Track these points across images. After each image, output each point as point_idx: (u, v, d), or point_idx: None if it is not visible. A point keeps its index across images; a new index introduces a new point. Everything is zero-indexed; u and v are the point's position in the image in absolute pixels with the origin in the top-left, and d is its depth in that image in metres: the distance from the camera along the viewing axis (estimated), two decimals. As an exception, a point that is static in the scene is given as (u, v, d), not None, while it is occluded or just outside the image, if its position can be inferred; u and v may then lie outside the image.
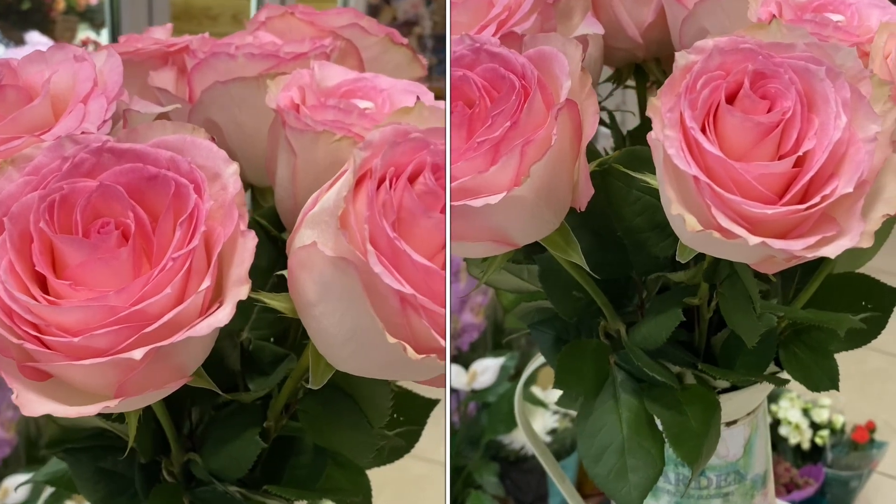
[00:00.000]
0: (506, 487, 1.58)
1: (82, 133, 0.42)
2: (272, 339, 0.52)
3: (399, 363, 0.40)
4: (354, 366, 0.42)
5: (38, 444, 1.44)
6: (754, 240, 0.41)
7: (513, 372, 1.62)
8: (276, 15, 0.53)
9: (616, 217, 0.50)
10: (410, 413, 0.54)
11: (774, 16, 0.47)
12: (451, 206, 0.42)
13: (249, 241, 0.40)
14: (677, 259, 0.45)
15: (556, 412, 1.54)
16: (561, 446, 1.57)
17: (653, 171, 0.45)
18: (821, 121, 0.43)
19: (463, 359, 1.64)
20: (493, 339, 1.65)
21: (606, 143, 0.57)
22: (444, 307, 0.39)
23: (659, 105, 0.43)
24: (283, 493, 0.50)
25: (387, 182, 0.40)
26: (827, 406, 1.79)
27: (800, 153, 0.42)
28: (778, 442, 1.79)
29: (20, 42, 1.44)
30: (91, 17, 1.79)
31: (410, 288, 0.38)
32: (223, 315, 0.39)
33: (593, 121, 0.44)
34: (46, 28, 1.71)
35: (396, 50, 0.52)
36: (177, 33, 0.55)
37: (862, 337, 0.53)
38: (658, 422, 0.51)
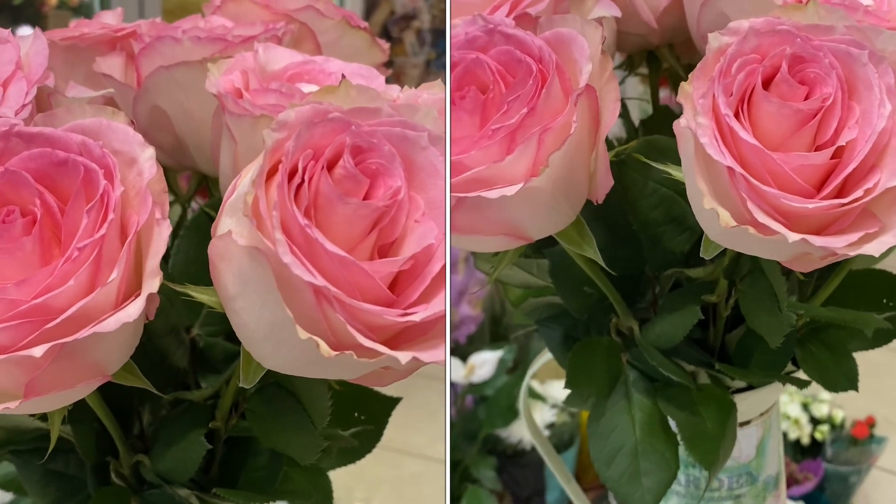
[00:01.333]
0: (503, 482, 1.57)
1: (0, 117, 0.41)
2: (225, 336, 0.50)
3: (316, 360, 0.37)
4: (278, 363, 0.39)
5: (502, 321, 1.46)
6: (794, 237, 0.38)
7: (511, 365, 1.61)
8: None
9: (631, 210, 0.48)
10: (370, 411, 0.52)
11: (246, 85, 0.45)
12: (463, 197, 0.40)
13: (164, 230, 0.38)
14: (701, 255, 0.43)
15: (553, 406, 1.53)
16: (559, 440, 1.56)
17: (672, 161, 0.43)
18: (863, 109, 0.40)
19: (460, 352, 1.63)
20: (491, 332, 1.64)
21: (610, 133, 0.55)
22: (361, 300, 0.36)
23: (690, 90, 0.40)
24: (233, 497, 0.48)
25: (301, 167, 0.37)
26: (826, 401, 1.77)
27: (840, 143, 0.40)
28: None
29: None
30: (84, 13, 1.79)
31: (323, 280, 0.35)
32: (133, 309, 0.37)
33: (614, 108, 0.42)
34: (39, 23, 1.70)
35: (354, 34, 0.51)
36: None
37: (885, 336, 0.52)
38: (671, 423, 0.49)
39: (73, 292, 0.37)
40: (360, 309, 0.36)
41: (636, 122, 0.56)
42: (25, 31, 1.18)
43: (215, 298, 0.40)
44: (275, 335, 0.38)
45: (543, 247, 0.49)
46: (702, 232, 0.46)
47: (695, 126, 0.39)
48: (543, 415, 1.51)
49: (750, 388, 0.51)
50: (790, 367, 0.51)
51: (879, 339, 0.51)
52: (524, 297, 0.54)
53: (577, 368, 0.49)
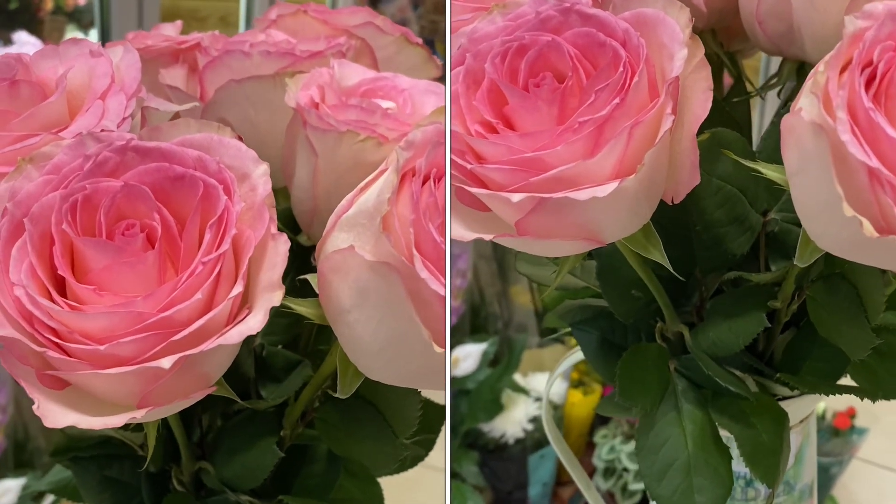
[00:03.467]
0: (485, 476, 1.56)
1: (102, 131, 0.40)
2: (283, 345, 0.50)
3: (859, 242, 0.35)
4: (388, 374, 0.39)
5: (26, 448, 1.41)
6: None
7: (492, 358, 1.59)
8: (288, 13, 0.51)
9: (695, 209, 0.45)
10: (427, 420, 0.51)
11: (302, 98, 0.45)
12: (546, 198, 0.36)
13: (281, 245, 0.38)
14: (796, 262, 0.40)
15: (537, 399, 1.51)
16: (543, 434, 1.54)
17: (740, 155, 0.41)
18: None
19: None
20: (472, 324, 1.61)
21: None
22: None
23: (824, 80, 0.35)
24: (796, 383, 0.46)
25: (431, 183, 0.37)
26: None
27: None
28: None
29: (7, 42, 1.43)
30: (79, 18, 1.77)
31: (878, 161, 0.33)
32: (255, 322, 0.37)
33: (705, 98, 0.38)
34: (34, 28, 1.69)
35: (412, 50, 0.50)
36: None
37: None
38: (726, 436, 0.46)
39: (197, 306, 0.37)
40: None
41: None
42: (22, 36, 1.18)
43: (317, 311, 0.40)
44: (826, 213, 0.36)
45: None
46: (758, 232, 0.44)
47: (836, 122, 0.34)
48: (528, 408, 1.50)
49: (790, 396, 0.48)
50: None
51: None
52: (560, 299, 0.52)
53: (628, 378, 0.46)
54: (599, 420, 1.54)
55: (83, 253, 0.38)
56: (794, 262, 0.40)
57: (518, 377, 1.54)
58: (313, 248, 0.43)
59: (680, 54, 0.37)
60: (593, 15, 0.39)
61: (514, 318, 1.62)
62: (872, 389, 0.46)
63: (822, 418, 1.76)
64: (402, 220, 0.36)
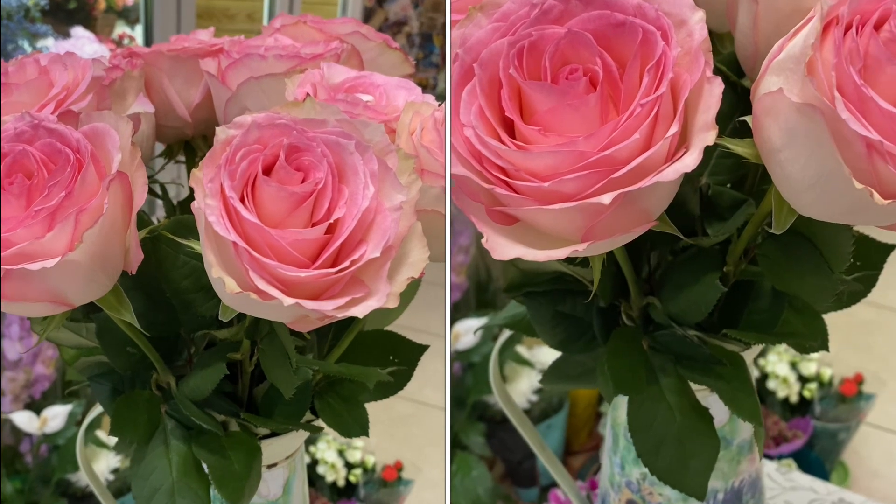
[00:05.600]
0: (492, 447, 1.57)
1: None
2: (730, 185, 0.50)
3: (863, 208, 0.38)
4: (817, 211, 0.40)
5: (72, 380, 1.52)
6: (289, 301, 0.41)
7: (497, 331, 1.54)
8: (290, 23, 0.58)
9: (165, 280, 0.51)
10: (867, 257, 0.52)
11: (308, 94, 0.48)
12: (10, 269, 0.43)
13: (716, 88, 0.38)
14: (220, 318, 0.46)
15: (541, 370, 1.47)
16: (548, 405, 1.57)
17: (199, 238, 0.46)
18: (351, 191, 0.43)
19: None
20: (477, 299, 1.62)
21: (161, 212, 0.59)
22: None
23: (201, 176, 0.43)
24: (742, 337, 0.49)
25: (853, 29, 0.38)
26: (815, 359, 1.76)
27: (331, 220, 0.43)
28: (766, 396, 1.78)
29: (67, 35, 1.55)
30: (127, 15, 1.91)
31: (877, 134, 0.36)
32: (690, 160, 0.38)
33: (142, 191, 0.45)
34: (89, 24, 1.81)
35: (391, 53, 0.57)
36: (200, 29, 0.61)
37: (391, 388, 0.55)
38: (205, 465, 0.52)
39: (635, 145, 0.38)
40: None
41: (175, 203, 0.59)
42: (78, 31, 1.30)
43: (752, 150, 0.41)
44: (820, 185, 0.39)
45: (91, 311, 0.52)
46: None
47: (204, 206, 0.42)
48: (532, 380, 1.52)
49: (275, 434, 0.54)
50: (311, 415, 0.54)
51: (387, 390, 0.55)
52: (77, 357, 0.57)
53: (120, 418, 0.53)
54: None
55: (529, 96, 0.40)
56: (220, 318, 0.46)
57: (522, 349, 1.55)
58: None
59: (117, 158, 0.45)
60: (55, 129, 0.46)
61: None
62: (335, 428, 0.53)
63: (828, 385, 1.76)
64: (825, 65, 0.37)
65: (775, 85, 0.38)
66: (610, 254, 0.49)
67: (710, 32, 0.51)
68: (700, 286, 0.49)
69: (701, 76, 0.39)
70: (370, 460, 1.64)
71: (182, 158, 0.62)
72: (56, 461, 1.45)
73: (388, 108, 0.49)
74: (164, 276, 0.51)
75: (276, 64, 0.53)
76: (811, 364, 1.76)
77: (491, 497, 1.54)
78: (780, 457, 1.71)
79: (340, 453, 1.63)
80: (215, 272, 0.42)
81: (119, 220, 0.46)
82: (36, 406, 1.45)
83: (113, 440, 1.49)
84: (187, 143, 0.61)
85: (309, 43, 0.56)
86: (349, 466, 1.63)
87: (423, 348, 0.56)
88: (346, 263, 0.42)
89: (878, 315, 2.06)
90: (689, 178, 0.49)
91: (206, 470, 0.52)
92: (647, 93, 0.39)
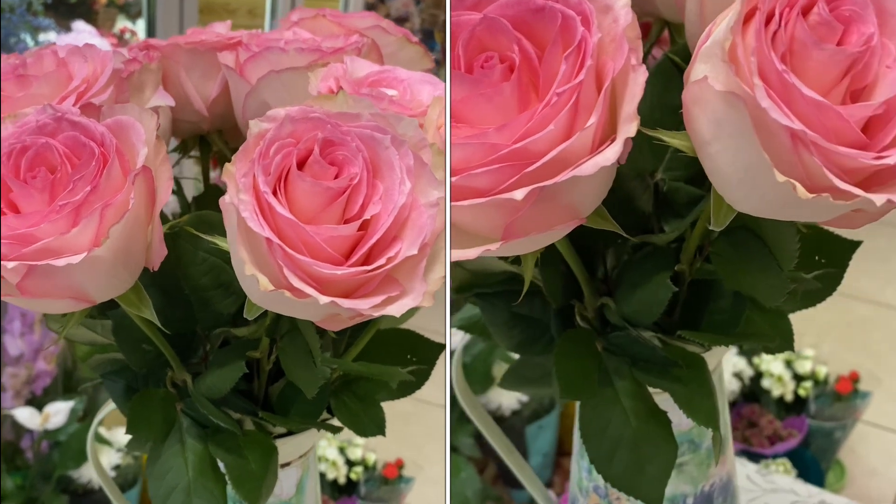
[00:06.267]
0: (484, 449, 1.56)
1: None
2: (687, 181, 0.49)
3: (791, 203, 0.36)
4: (750, 206, 0.38)
5: (74, 375, 1.50)
6: (324, 299, 0.39)
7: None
8: (308, 17, 0.57)
9: (184, 276, 0.50)
10: (831, 255, 0.51)
11: (341, 88, 0.47)
12: (34, 265, 0.42)
13: (640, 76, 0.36)
14: (245, 316, 0.45)
15: (119, 450, 1.51)
16: (124, 480, 1.54)
17: (220, 233, 0.45)
18: (386, 186, 0.42)
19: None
20: (64, 384, 1.56)
21: (167, 208, 0.56)
22: (836, 144, 0.35)
23: (234, 170, 0.41)
24: (696, 338, 0.47)
25: (777, 14, 0.36)
26: (810, 357, 1.76)
27: (366, 217, 0.42)
28: (761, 394, 1.77)
29: (68, 29, 1.55)
30: (128, 9, 1.91)
31: (800, 123, 0.35)
32: (611, 153, 0.36)
33: (167, 186, 0.45)
34: (90, 18, 1.82)
35: (410, 47, 0.56)
36: (201, 25, 0.60)
37: (409, 387, 0.54)
38: (221, 464, 0.51)
39: (552, 137, 0.36)
40: (836, 152, 0.35)
41: (189, 199, 0.59)
42: (79, 24, 1.29)
43: (687, 143, 0.39)
44: (749, 178, 0.36)
45: (107, 309, 0.51)
46: (246, 296, 0.48)
47: (237, 202, 0.40)
48: (110, 457, 1.49)
49: (290, 433, 0.53)
50: (327, 414, 0.53)
51: (405, 390, 0.54)
52: (91, 353, 0.57)
53: (136, 416, 0.52)
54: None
55: None
56: (245, 316, 0.44)
57: (103, 430, 1.50)
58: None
59: (142, 152, 0.44)
60: (78, 121, 0.45)
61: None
62: (351, 427, 0.52)
63: (824, 383, 1.75)
64: (746, 50, 0.35)
65: (702, 73, 0.37)
66: (556, 252, 0.47)
67: (668, 24, 0.51)
68: (652, 285, 0.47)
69: (625, 63, 0.37)
70: (371, 458, 1.64)
71: (195, 153, 0.61)
72: (57, 457, 1.44)
73: (412, 102, 0.49)
74: (182, 272, 0.50)
75: (297, 57, 0.52)
76: (806, 362, 1.75)
77: (480, 498, 1.54)
78: (774, 456, 1.70)
79: (341, 451, 1.64)
80: (248, 269, 0.40)
81: (142, 216, 0.45)
82: (37, 402, 1.44)
83: (114, 437, 1.49)
84: (202, 137, 0.60)
85: (328, 37, 0.55)
86: (350, 464, 1.64)
87: (440, 347, 0.55)
88: (383, 261, 0.41)
89: (873, 312, 2.05)
90: (638, 174, 0.48)
91: (223, 469, 0.51)
92: (565, 81, 0.37)
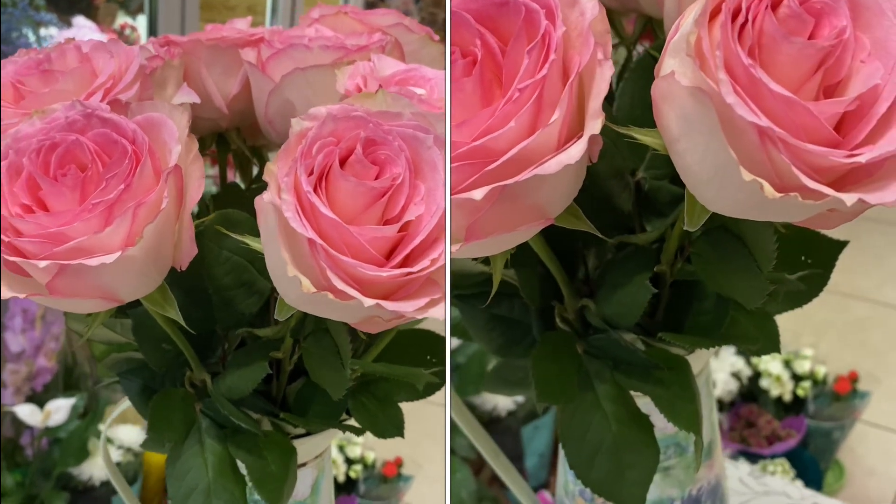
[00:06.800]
0: (479, 450, 1.56)
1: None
2: (670, 179, 0.48)
3: (760, 202, 0.35)
4: (720, 205, 0.37)
5: (74, 372, 1.51)
6: (369, 302, 0.38)
7: (81, 411, 1.51)
8: (330, 14, 0.56)
9: (208, 276, 0.50)
10: (817, 255, 0.50)
11: (380, 86, 0.46)
12: (66, 264, 0.42)
13: (606, 71, 0.35)
14: (276, 317, 0.44)
15: (119, 447, 1.51)
16: (126, 477, 1.52)
17: (245, 232, 0.45)
18: (428, 187, 0.41)
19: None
20: (65, 382, 1.56)
21: None
22: (806, 141, 0.33)
23: (275, 170, 0.40)
24: (680, 341, 0.46)
25: (745, 7, 0.35)
26: (809, 357, 1.76)
27: (409, 218, 0.41)
28: (759, 394, 1.78)
29: (69, 24, 1.54)
30: (128, 5, 1.91)
31: (768, 120, 0.33)
32: (575, 151, 0.34)
33: (199, 184, 0.44)
34: (90, 14, 1.82)
35: (433, 46, 0.56)
36: (202, 21, 0.62)
37: (430, 388, 0.53)
38: (241, 465, 0.51)
39: (513, 134, 0.34)
40: (806, 150, 0.34)
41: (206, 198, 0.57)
42: (80, 20, 1.29)
43: (659, 140, 0.38)
44: (718, 177, 0.35)
45: (127, 308, 0.50)
46: (268, 295, 0.49)
47: (280, 202, 0.39)
48: (111, 455, 1.43)
49: (307, 434, 0.53)
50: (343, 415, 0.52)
51: (427, 391, 0.53)
52: (108, 352, 0.56)
53: (157, 416, 0.51)
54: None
55: None
56: (275, 317, 0.43)
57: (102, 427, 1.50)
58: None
59: (176, 150, 0.43)
60: (109, 118, 0.45)
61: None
62: (369, 428, 0.51)
63: (822, 383, 1.76)
64: (711, 44, 0.34)
65: (669, 68, 0.35)
66: (533, 253, 0.46)
67: (650, 19, 0.50)
68: (632, 287, 0.46)
69: (591, 58, 0.36)
70: (370, 456, 1.64)
71: (214, 152, 0.60)
72: (58, 454, 1.44)
73: (439, 101, 0.48)
74: (206, 272, 0.50)
75: (322, 55, 0.51)
76: (805, 362, 1.75)
77: (475, 499, 1.54)
78: (773, 456, 1.70)
79: (341, 449, 1.64)
80: (290, 271, 0.39)
81: (172, 215, 0.44)
82: (37, 399, 1.44)
83: (113, 434, 1.49)
84: (220, 135, 0.59)
85: (351, 34, 0.54)
86: (349, 462, 1.64)
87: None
88: (426, 263, 0.40)
89: (872, 311, 2.05)
90: (617, 173, 0.47)
91: (243, 470, 0.51)
92: (528, 76, 0.36)
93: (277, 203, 0.39)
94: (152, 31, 1.79)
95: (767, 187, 0.34)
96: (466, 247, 0.37)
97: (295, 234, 0.39)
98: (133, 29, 1.90)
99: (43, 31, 1.47)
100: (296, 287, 0.39)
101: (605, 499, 0.49)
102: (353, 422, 0.52)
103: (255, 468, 0.50)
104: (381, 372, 0.51)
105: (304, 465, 0.55)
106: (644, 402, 0.50)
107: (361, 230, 0.40)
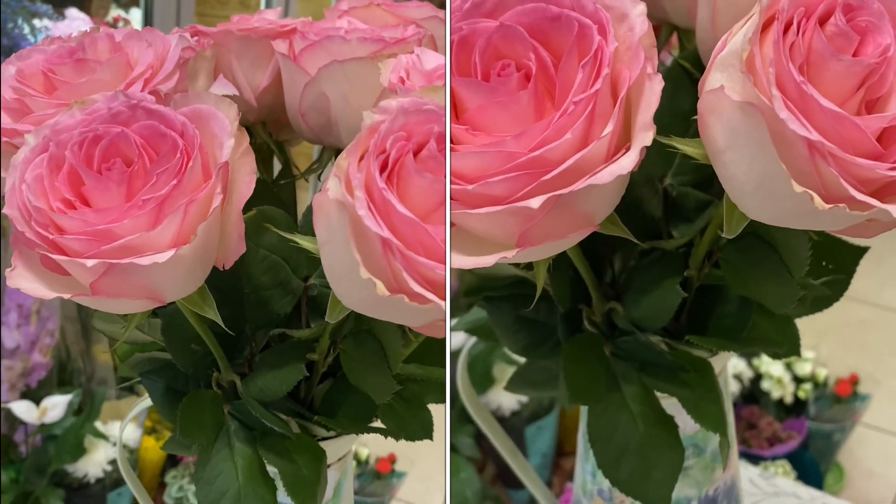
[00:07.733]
0: (484, 449, 1.56)
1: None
2: (696, 186, 0.49)
3: (807, 213, 0.36)
4: (764, 214, 0.39)
5: (67, 367, 1.51)
6: (443, 304, 0.38)
7: (77, 407, 1.52)
8: (360, 5, 0.55)
9: (245, 275, 0.49)
10: (838, 260, 0.51)
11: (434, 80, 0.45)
12: (115, 263, 0.40)
13: (657, 85, 0.37)
14: (327, 319, 0.44)
15: (114, 444, 1.50)
16: (539, 406, 1.57)
17: (282, 230, 0.45)
18: None
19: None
20: (59, 378, 1.56)
21: None
22: (853, 154, 0.35)
23: (346, 165, 0.39)
24: (704, 344, 0.47)
25: (795, 24, 0.37)
26: (810, 359, 1.77)
27: None
28: (760, 396, 1.78)
29: (62, 16, 1.53)
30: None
31: (818, 135, 0.35)
32: (627, 162, 0.36)
33: (250, 179, 0.43)
34: (83, 6, 1.81)
35: None
36: (196, 15, 0.61)
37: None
38: (273, 470, 0.50)
39: (568, 145, 0.36)
40: (854, 163, 0.35)
41: None
42: (73, 12, 1.29)
43: (701, 150, 0.39)
44: (765, 188, 0.37)
45: (157, 307, 0.49)
46: (300, 295, 0.48)
47: (350, 199, 0.38)
48: (107, 452, 1.49)
49: (332, 436, 0.52)
50: None
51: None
52: (131, 352, 0.55)
53: (187, 419, 0.50)
54: (170, 463, 1.57)
55: (458, 93, 0.39)
56: (327, 319, 0.43)
57: (98, 424, 1.51)
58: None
59: (228, 143, 0.42)
60: (156, 110, 0.43)
61: (96, 373, 1.60)
62: (398, 431, 0.51)
63: (823, 385, 1.76)
64: (764, 61, 0.36)
65: (718, 82, 0.37)
66: (566, 257, 0.47)
67: (677, 29, 0.51)
68: (661, 290, 0.47)
69: (641, 72, 0.37)
70: (364, 452, 1.63)
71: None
72: (53, 451, 1.43)
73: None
74: (244, 270, 0.49)
75: (360, 47, 0.50)
76: (806, 364, 1.76)
77: (480, 499, 1.53)
78: (774, 458, 1.71)
79: (788, 366, 1.66)
80: (363, 273, 0.37)
81: (219, 212, 0.43)
82: (31, 395, 1.43)
83: (110, 431, 1.48)
84: (247, 129, 0.59)
85: (386, 27, 0.54)
86: (798, 381, 1.66)
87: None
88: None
89: (873, 314, 2.06)
90: (648, 180, 0.48)
91: (275, 475, 0.50)
92: (582, 90, 0.37)
93: (348, 201, 0.38)
94: (146, 23, 1.77)
95: (817, 199, 0.35)
96: (520, 253, 0.38)
97: (366, 233, 0.38)
98: (126, 22, 1.89)
99: (37, 23, 1.46)
100: (364, 290, 0.38)
101: (632, 498, 0.49)
102: (379, 423, 0.51)
103: (287, 472, 0.49)
104: (414, 374, 0.50)
105: (328, 467, 0.54)
106: (667, 404, 0.51)
107: (437, 230, 0.39)
